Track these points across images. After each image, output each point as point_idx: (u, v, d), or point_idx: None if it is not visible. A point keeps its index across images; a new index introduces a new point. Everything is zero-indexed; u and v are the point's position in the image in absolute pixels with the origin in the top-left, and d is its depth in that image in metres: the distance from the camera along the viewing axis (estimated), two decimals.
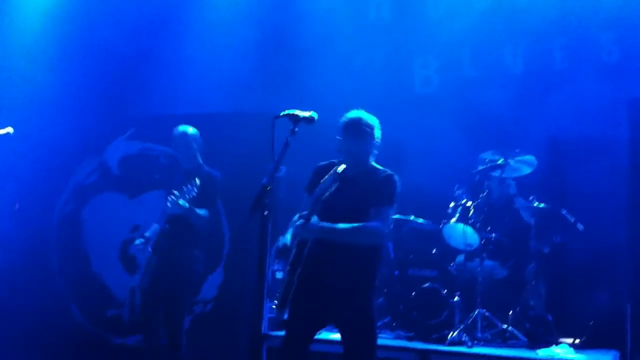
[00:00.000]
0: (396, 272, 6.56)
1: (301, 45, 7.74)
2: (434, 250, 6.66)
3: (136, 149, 7.01)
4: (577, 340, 5.85)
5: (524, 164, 6.46)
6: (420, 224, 6.79)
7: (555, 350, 5.57)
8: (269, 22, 7.90)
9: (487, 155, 6.63)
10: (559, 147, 6.96)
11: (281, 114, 4.22)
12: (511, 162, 6.43)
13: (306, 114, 4.24)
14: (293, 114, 4.21)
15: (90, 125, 7.21)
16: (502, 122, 7.13)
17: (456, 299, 6.12)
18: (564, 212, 6.31)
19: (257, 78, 7.71)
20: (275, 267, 6.51)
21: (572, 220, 6.28)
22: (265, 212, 4.02)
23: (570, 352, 5.53)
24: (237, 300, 6.24)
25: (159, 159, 6.91)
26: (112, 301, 6.68)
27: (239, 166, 6.59)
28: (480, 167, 6.57)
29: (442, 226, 6.52)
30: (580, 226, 6.26)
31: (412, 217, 6.79)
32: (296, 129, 4.18)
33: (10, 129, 5.55)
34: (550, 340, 5.81)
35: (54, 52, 7.85)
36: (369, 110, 7.11)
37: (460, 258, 6.50)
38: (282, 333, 6.05)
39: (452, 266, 6.51)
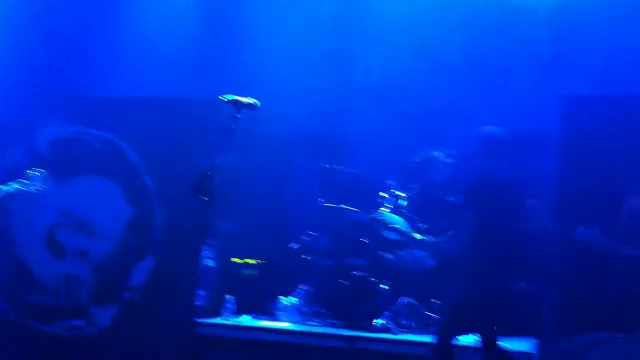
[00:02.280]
0: (327, 261, 6.61)
1: (242, 32, 7.69)
2: (365, 240, 6.72)
3: (69, 132, 6.88)
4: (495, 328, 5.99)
5: (455, 159, 6.56)
6: (354, 213, 6.85)
7: (474, 337, 5.70)
8: (210, 7, 7.82)
9: (423, 147, 6.74)
10: (492, 140, 7.06)
11: (224, 98, 4.22)
12: (444, 155, 6.54)
13: (249, 100, 4.25)
14: (236, 100, 4.22)
15: (21, 106, 7.03)
16: (440, 115, 7.23)
17: (385, 287, 6.21)
18: None
19: (196, 63, 7.63)
20: (207, 255, 6.53)
21: None
22: (206, 198, 4.03)
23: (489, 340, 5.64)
24: (167, 287, 6.20)
25: (91, 143, 6.80)
26: (39, 287, 6.57)
27: (173, 151, 6.55)
28: (415, 159, 6.67)
29: (375, 216, 6.58)
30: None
31: (345, 206, 6.85)
32: (238, 115, 4.20)
33: None
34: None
35: None
36: (311, 100, 7.25)
37: (392, 247, 6.59)
38: (213, 320, 6.15)
39: (383, 255, 6.58)
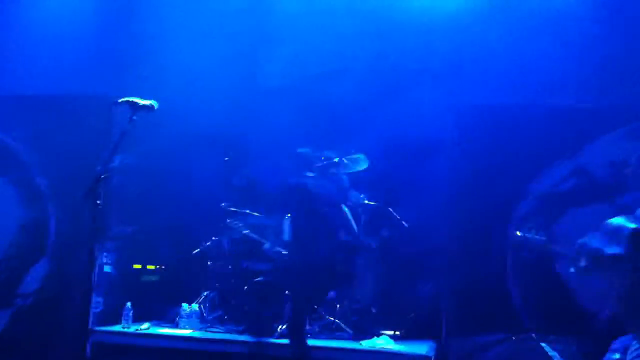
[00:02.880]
0: (229, 266, 6.56)
1: (143, 31, 7.50)
2: (267, 244, 6.72)
3: None
4: (397, 332, 6.17)
5: (357, 162, 6.67)
6: (256, 217, 6.83)
7: (377, 341, 5.84)
8: (111, 4, 7.58)
9: (325, 151, 6.80)
10: (392, 147, 7.24)
11: (120, 100, 4.11)
12: (345, 160, 6.63)
13: (146, 102, 4.16)
14: (133, 102, 4.12)
15: None
16: (341, 119, 7.34)
17: (287, 292, 6.24)
18: (390, 209, 6.66)
19: (94, 61, 7.38)
20: (104, 260, 6.34)
21: (398, 217, 6.64)
22: (98, 201, 3.90)
23: (389, 343, 5.82)
24: (62, 293, 5.97)
25: None
26: None
27: (68, 151, 6.30)
28: (318, 164, 6.71)
29: (278, 220, 6.59)
30: (405, 223, 6.62)
31: (247, 211, 6.83)
32: (134, 117, 4.10)
33: None
34: (374, 331, 6.09)
35: None
36: (213, 101, 7.17)
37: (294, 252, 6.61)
38: (111, 328, 5.96)
39: (285, 260, 6.60)
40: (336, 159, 6.61)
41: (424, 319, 6.29)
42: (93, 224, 4.03)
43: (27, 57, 7.08)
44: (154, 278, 6.75)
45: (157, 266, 6.78)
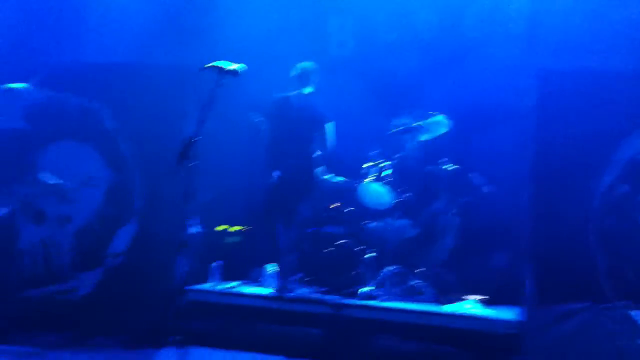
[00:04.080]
0: (310, 230, 6.63)
1: (220, 1, 7.59)
2: (348, 209, 6.77)
3: (44, 98, 6.68)
4: (483, 297, 6.14)
5: (437, 126, 6.64)
6: (335, 182, 6.88)
7: (462, 305, 5.83)
8: None
9: (402, 118, 6.80)
10: (470, 112, 7.16)
11: (207, 65, 4.18)
12: (424, 124, 6.61)
13: (232, 67, 4.22)
14: (218, 67, 4.18)
15: None
16: (416, 87, 7.30)
17: (368, 255, 6.28)
18: (471, 174, 6.62)
19: (169, 29, 7.49)
20: (191, 222, 6.46)
21: (479, 182, 6.60)
22: (191, 164, 4.00)
23: (476, 307, 5.81)
24: (151, 254, 6.13)
25: (67, 109, 6.63)
26: (20, 255, 6.41)
27: (152, 117, 6.43)
28: (395, 129, 6.72)
29: (357, 185, 6.62)
30: (486, 188, 6.57)
31: (327, 176, 6.87)
32: (221, 82, 4.16)
33: None
34: (457, 296, 6.08)
35: None
36: (283, 71, 7.21)
37: (374, 216, 6.65)
38: (200, 287, 6.11)
39: (365, 224, 6.65)
40: (415, 124, 6.63)
41: (506, 286, 6.24)
42: (185, 185, 4.13)
43: (112, 25, 7.22)
44: (237, 239, 6.85)
45: (240, 227, 6.88)
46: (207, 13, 7.55)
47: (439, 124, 6.60)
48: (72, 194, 6.46)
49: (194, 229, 6.47)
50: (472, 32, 7.51)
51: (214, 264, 6.25)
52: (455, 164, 6.58)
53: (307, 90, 6.52)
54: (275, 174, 6.38)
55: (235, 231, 6.81)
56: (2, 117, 6.14)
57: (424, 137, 6.75)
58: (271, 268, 6.41)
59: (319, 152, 6.46)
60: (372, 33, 7.87)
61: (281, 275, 6.30)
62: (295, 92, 6.53)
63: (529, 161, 6.30)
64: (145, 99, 6.47)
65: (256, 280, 6.47)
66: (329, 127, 6.44)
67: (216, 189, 6.97)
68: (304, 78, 6.56)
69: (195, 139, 4.06)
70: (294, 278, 6.35)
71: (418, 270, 6.30)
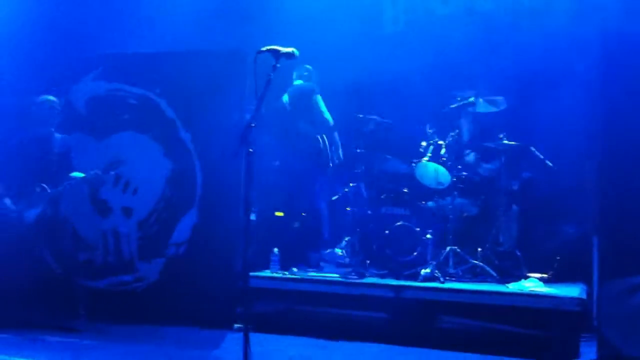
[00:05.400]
0: (369, 211, 6.61)
1: None
2: (406, 189, 6.71)
3: (103, 90, 6.83)
4: (546, 275, 6.02)
5: (494, 103, 6.49)
6: (392, 162, 6.82)
7: (524, 284, 5.73)
8: None
9: (458, 93, 6.66)
10: (529, 84, 6.97)
11: (263, 49, 4.18)
12: (481, 100, 6.47)
13: (288, 49, 4.21)
14: (275, 49, 4.18)
15: (56, 65, 6.96)
16: (472, 60, 7.14)
17: (428, 236, 6.23)
18: (533, 148, 6.44)
19: (222, 16, 7.54)
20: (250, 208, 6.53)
21: (541, 156, 6.41)
22: (250, 150, 4.02)
23: (539, 285, 5.68)
24: (211, 241, 6.22)
25: (127, 100, 6.76)
26: (85, 244, 6.62)
27: (207, 105, 6.49)
28: (452, 105, 6.59)
29: (415, 165, 6.55)
30: (549, 163, 6.39)
31: (384, 156, 6.83)
32: (278, 65, 4.16)
33: None
34: (519, 274, 5.98)
35: None
36: (337, 49, 7.16)
37: (432, 196, 6.58)
38: (261, 273, 6.20)
39: (424, 204, 6.58)
40: (471, 99, 6.49)
41: (572, 261, 6.10)
42: (247, 171, 4.15)
43: (165, 15, 7.33)
44: (296, 225, 6.90)
45: (301, 213, 6.94)
46: None
47: (497, 101, 6.44)
48: (133, 184, 6.60)
49: (253, 216, 6.61)
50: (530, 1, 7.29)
51: (274, 250, 6.31)
52: (514, 139, 6.39)
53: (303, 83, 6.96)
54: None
55: (294, 216, 6.85)
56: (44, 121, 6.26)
57: (481, 111, 6.60)
58: (330, 252, 6.43)
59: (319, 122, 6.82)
60: (425, 7, 7.72)
61: (340, 259, 6.32)
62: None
63: (594, 132, 6.10)
64: (202, 86, 6.53)
65: (316, 265, 6.49)
66: (319, 99, 6.87)
67: (275, 173, 7.04)
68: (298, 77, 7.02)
69: (253, 124, 4.05)
70: (354, 261, 6.35)
71: (479, 249, 6.20)
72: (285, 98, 7.02)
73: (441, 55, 7.24)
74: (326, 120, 6.82)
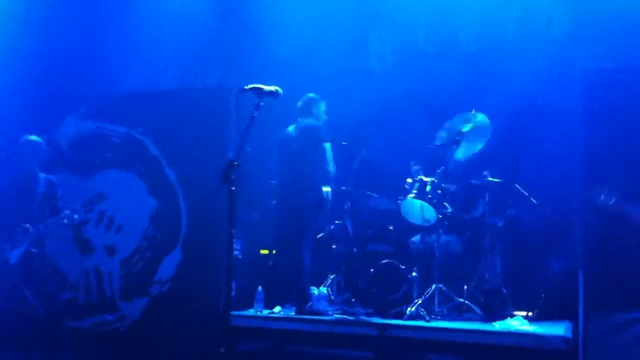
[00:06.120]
0: (354, 249, 6.58)
1: (254, 21, 7.65)
2: (391, 227, 6.69)
3: (89, 129, 6.84)
4: (531, 313, 5.98)
5: (478, 133, 6.48)
6: (378, 200, 6.82)
7: (510, 322, 5.68)
8: None
9: (443, 131, 6.69)
10: (513, 121, 7.01)
11: (246, 87, 4.19)
12: (466, 131, 6.48)
13: (271, 88, 4.23)
14: (258, 88, 4.20)
15: (40, 104, 6.98)
16: (457, 98, 7.18)
17: (414, 274, 6.18)
18: (517, 185, 6.45)
19: (207, 55, 7.60)
20: (235, 247, 6.50)
21: (526, 193, 6.42)
22: (233, 188, 4.00)
23: (524, 324, 5.64)
24: (196, 280, 6.17)
25: (111, 138, 6.76)
26: (68, 284, 6.55)
27: (192, 142, 6.49)
28: (438, 142, 6.61)
29: (400, 202, 6.54)
30: (533, 200, 6.40)
31: (369, 193, 6.82)
32: (261, 103, 4.17)
33: None
34: (505, 313, 5.95)
35: None
36: (324, 86, 7.20)
37: (418, 233, 6.56)
38: (242, 312, 6.13)
39: (409, 242, 6.55)
40: (465, 128, 6.50)
41: (557, 298, 6.06)
42: (229, 209, 4.13)
43: (149, 54, 7.37)
44: (279, 262, 6.84)
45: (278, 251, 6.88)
46: (245, 35, 7.64)
47: (480, 130, 6.44)
48: (117, 222, 6.56)
49: (236, 253, 6.56)
50: (514, 41, 7.38)
51: (258, 289, 6.25)
52: (499, 176, 6.41)
53: (308, 119, 6.56)
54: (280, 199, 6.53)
55: (276, 254, 6.80)
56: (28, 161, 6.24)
57: (465, 149, 6.62)
58: (316, 291, 6.37)
59: (324, 172, 6.42)
60: (410, 47, 7.81)
61: (325, 297, 6.25)
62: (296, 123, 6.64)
63: (578, 168, 6.11)
64: (187, 124, 6.54)
65: (301, 303, 6.41)
66: (328, 148, 6.43)
67: (259, 210, 7.01)
68: (306, 108, 6.60)
69: (236, 161, 4.04)
70: (340, 299, 6.30)
71: (465, 287, 6.16)
72: (292, 131, 6.65)
73: (426, 94, 7.31)
74: (329, 172, 6.45)
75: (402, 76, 7.63)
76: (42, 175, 6.19)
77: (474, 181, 6.52)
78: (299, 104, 6.62)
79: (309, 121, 6.52)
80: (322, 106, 6.63)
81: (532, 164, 6.66)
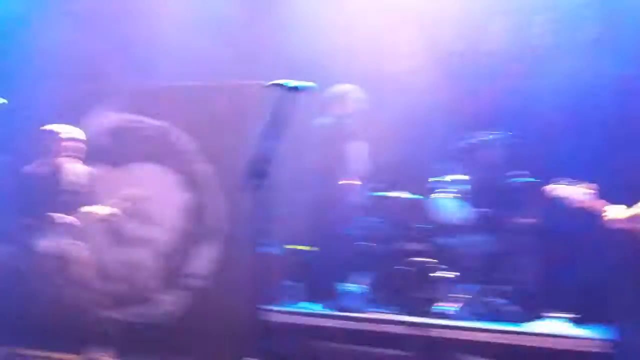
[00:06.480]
0: (388, 247, 6.55)
1: (280, 18, 7.64)
2: (422, 225, 6.66)
3: (124, 122, 6.86)
4: (568, 315, 5.94)
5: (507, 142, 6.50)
6: (408, 198, 6.80)
7: (546, 323, 5.66)
8: None
9: (473, 131, 6.69)
10: (545, 122, 6.99)
11: (273, 82, 4.19)
12: (496, 137, 6.48)
13: (303, 83, 4.22)
14: (281, 84, 4.19)
15: (76, 98, 7.00)
16: (487, 97, 7.17)
17: (444, 273, 6.16)
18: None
19: (231, 50, 7.58)
20: (266, 242, 6.48)
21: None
22: (262, 182, 4.00)
23: (561, 326, 5.62)
24: (229, 274, 6.18)
25: (143, 131, 6.78)
26: (103, 276, 6.54)
27: (223, 137, 6.51)
28: (468, 142, 6.61)
29: (430, 200, 6.52)
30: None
31: (399, 192, 6.80)
32: (291, 98, 4.17)
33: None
34: (540, 314, 5.90)
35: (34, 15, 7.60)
36: (354, 83, 7.16)
37: (453, 233, 6.53)
38: (277, 307, 6.12)
39: (444, 241, 6.53)
40: (489, 137, 6.51)
41: (595, 301, 6.03)
42: (257, 205, 4.13)
43: (180, 50, 7.36)
44: (312, 258, 6.84)
45: (311, 247, 6.88)
46: (274, 32, 7.63)
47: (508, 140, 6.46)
48: (152, 215, 6.58)
49: (269, 249, 6.55)
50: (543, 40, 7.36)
51: (290, 284, 6.25)
52: (531, 176, 6.39)
53: (340, 113, 6.57)
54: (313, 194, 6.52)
55: (307, 250, 6.79)
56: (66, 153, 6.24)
57: (496, 150, 6.61)
58: (347, 287, 6.36)
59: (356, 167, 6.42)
60: (438, 44, 7.78)
61: (357, 295, 6.25)
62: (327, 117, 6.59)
63: (612, 168, 6.11)
64: (220, 119, 6.55)
65: (333, 300, 6.42)
66: (362, 145, 6.42)
67: (291, 206, 6.99)
68: (338, 101, 6.61)
69: (267, 156, 4.04)
70: (373, 297, 6.29)
71: (498, 287, 6.14)
72: (324, 124, 6.63)
73: (456, 92, 7.27)
74: (361, 168, 6.52)
75: (429, 74, 7.60)
76: (79, 167, 6.20)
77: (511, 181, 6.50)
78: (330, 96, 6.61)
79: (341, 114, 6.49)
80: (354, 99, 6.61)
81: (567, 164, 6.62)
